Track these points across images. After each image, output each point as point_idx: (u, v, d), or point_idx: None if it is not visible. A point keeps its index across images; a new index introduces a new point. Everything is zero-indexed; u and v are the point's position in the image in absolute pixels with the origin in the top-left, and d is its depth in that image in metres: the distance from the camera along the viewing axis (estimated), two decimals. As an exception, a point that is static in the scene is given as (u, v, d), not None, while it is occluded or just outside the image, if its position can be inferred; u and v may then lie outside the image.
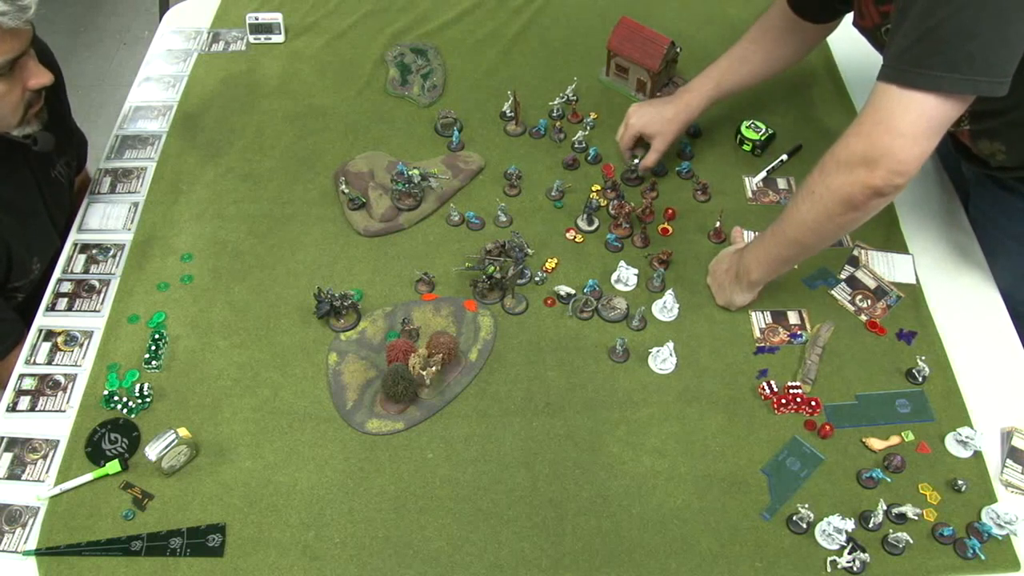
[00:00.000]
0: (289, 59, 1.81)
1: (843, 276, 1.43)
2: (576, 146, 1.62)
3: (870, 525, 1.15)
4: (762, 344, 1.34)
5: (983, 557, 1.12)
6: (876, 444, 1.23)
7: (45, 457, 1.22)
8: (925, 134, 1.00)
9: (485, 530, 1.16)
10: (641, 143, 1.56)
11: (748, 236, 1.44)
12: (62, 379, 1.31)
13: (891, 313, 1.38)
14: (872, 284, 1.41)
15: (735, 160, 1.61)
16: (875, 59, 1.08)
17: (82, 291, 1.41)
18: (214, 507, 1.17)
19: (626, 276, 1.41)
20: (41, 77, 1.24)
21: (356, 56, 1.81)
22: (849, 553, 1.11)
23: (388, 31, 1.87)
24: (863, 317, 1.38)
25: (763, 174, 1.57)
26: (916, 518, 1.14)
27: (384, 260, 1.46)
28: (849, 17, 1.30)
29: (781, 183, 1.57)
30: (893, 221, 1.50)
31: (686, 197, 1.55)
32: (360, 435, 1.25)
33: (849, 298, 1.40)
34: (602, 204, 1.53)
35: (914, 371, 1.30)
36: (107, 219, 1.52)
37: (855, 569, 1.11)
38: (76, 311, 1.39)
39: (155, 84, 1.77)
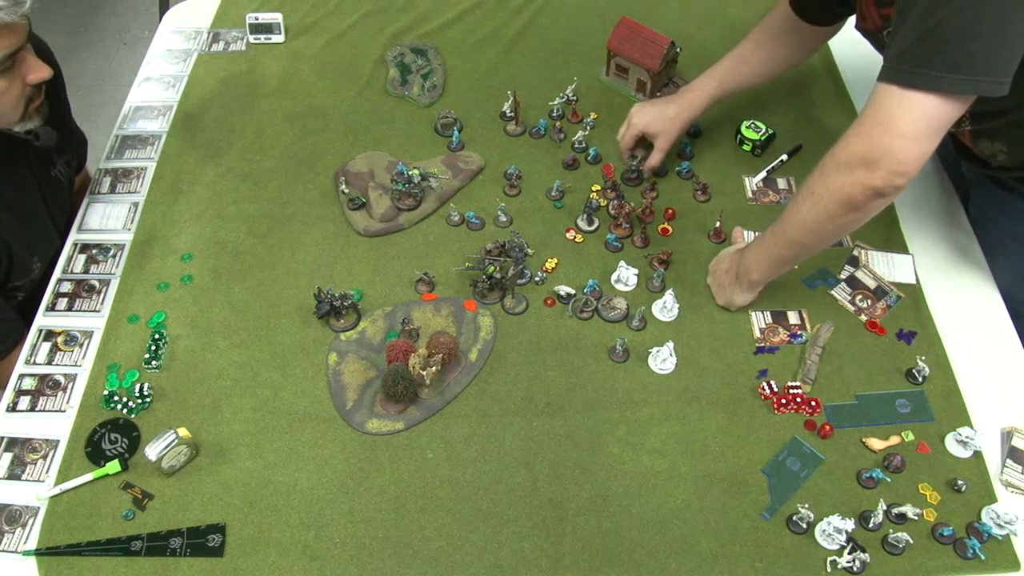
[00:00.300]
0: (289, 59, 1.81)
1: (843, 276, 1.43)
2: (576, 146, 1.62)
3: (870, 525, 1.15)
4: (762, 344, 1.34)
5: (983, 557, 1.12)
6: (876, 444, 1.23)
7: (45, 457, 1.22)
8: (925, 135, 1.00)
9: (485, 530, 1.16)
10: (641, 143, 1.56)
11: (748, 236, 1.45)
12: (62, 379, 1.31)
13: (891, 313, 1.38)
14: (872, 284, 1.41)
15: (735, 160, 1.61)
16: (875, 59, 1.08)
17: (82, 291, 1.41)
18: (214, 507, 1.17)
19: (626, 276, 1.41)
20: (40, 71, 1.24)
21: (356, 56, 1.81)
22: (849, 553, 1.11)
23: (388, 31, 1.87)
24: (863, 317, 1.38)
25: (763, 174, 1.57)
26: (916, 518, 1.14)
27: (384, 260, 1.46)
28: (850, 19, 1.30)
29: (781, 183, 1.57)
30: (893, 221, 1.50)
31: (686, 197, 1.55)
32: (360, 435, 1.25)
33: (849, 298, 1.40)
34: (602, 204, 1.53)
35: (914, 371, 1.30)
36: (107, 219, 1.52)
37: (855, 569, 1.11)
38: (76, 311, 1.39)
39: (155, 84, 1.77)
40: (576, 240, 1.49)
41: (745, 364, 1.32)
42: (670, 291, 1.36)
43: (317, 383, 1.30)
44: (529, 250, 1.41)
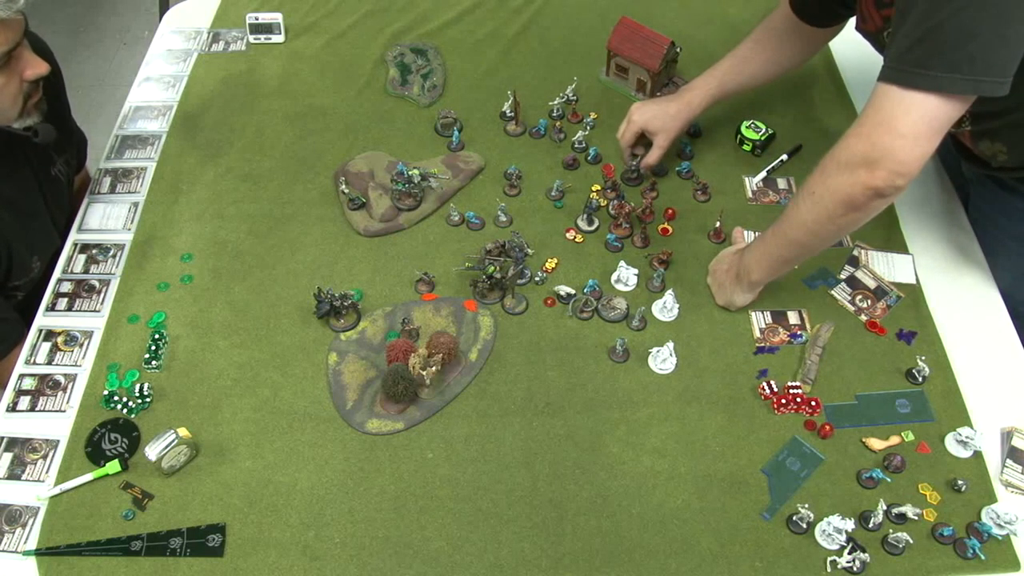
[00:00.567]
0: (289, 59, 1.81)
1: (843, 276, 1.43)
2: (576, 146, 1.62)
3: (870, 525, 1.15)
4: (762, 344, 1.34)
5: (983, 557, 1.12)
6: (876, 444, 1.23)
7: (45, 457, 1.22)
8: (926, 135, 1.00)
9: (485, 530, 1.16)
10: (641, 142, 1.56)
11: (749, 236, 1.45)
12: (62, 379, 1.31)
13: (891, 313, 1.38)
14: (872, 284, 1.41)
15: (735, 160, 1.61)
16: (875, 60, 1.08)
17: (82, 291, 1.41)
18: (214, 507, 1.17)
19: (626, 276, 1.41)
20: (38, 67, 1.25)
21: (356, 56, 1.81)
22: (849, 553, 1.11)
23: (388, 31, 1.87)
24: (863, 317, 1.38)
25: (763, 174, 1.57)
26: (916, 518, 1.14)
27: (384, 260, 1.46)
28: (850, 20, 1.30)
29: (781, 183, 1.57)
30: (893, 221, 1.50)
31: (686, 197, 1.55)
32: (360, 435, 1.25)
33: (849, 298, 1.40)
34: (602, 204, 1.53)
35: (914, 371, 1.30)
36: (107, 219, 1.52)
37: (855, 569, 1.11)
38: (76, 311, 1.39)
39: (155, 84, 1.77)
40: (576, 240, 1.49)
41: (745, 364, 1.32)
42: (670, 291, 1.36)
43: (317, 383, 1.30)
44: (529, 250, 1.41)
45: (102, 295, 1.41)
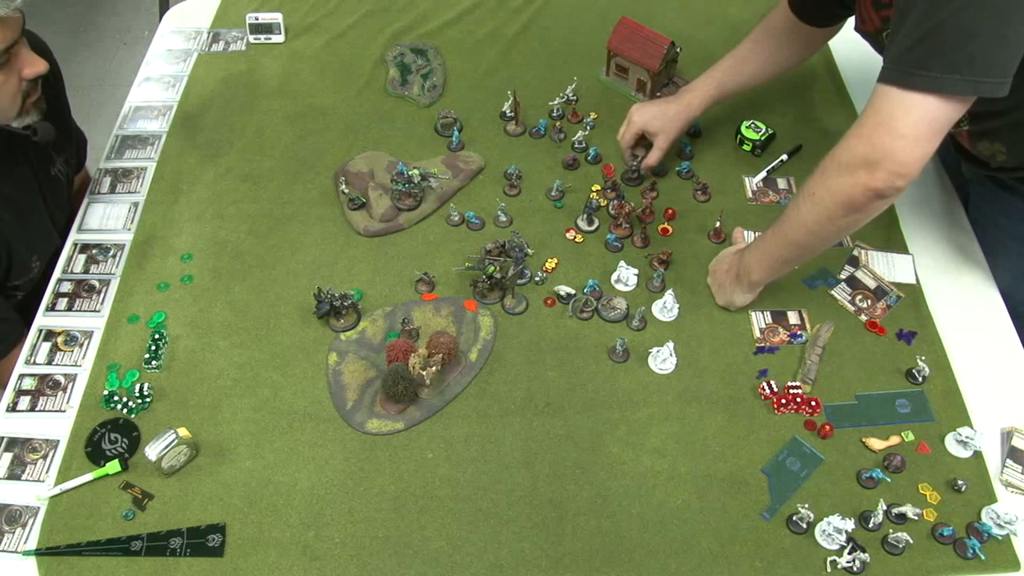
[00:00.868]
0: (289, 59, 1.81)
1: (843, 276, 1.43)
2: (576, 146, 1.62)
3: (870, 525, 1.15)
4: (762, 344, 1.34)
5: (983, 557, 1.12)
6: (876, 444, 1.23)
7: (45, 457, 1.22)
8: (926, 136, 1.00)
9: (485, 530, 1.16)
10: (641, 143, 1.56)
11: (749, 237, 1.45)
12: (62, 379, 1.31)
13: (891, 313, 1.38)
14: (872, 284, 1.41)
15: (735, 160, 1.61)
16: (875, 60, 1.08)
17: (82, 291, 1.41)
18: (214, 507, 1.17)
19: (626, 276, 1.41)
20: (36, 66, 1.25)
21: (356, 56, 1.81)
22: (849, 553, 1.11)
23: (388, 31, 1.87)
24: (863, 317, 1.38)
25: (763, 174, 1.57)
26: (916, 518, 1.14)
27: (384, 260, 1.46)
28: (849, 20, 1.30)
29: (781, 183, 1.57)
30: (893, 221, 1.50)
31: (686, 197, 1.55)
32: (360, 435, 1.25)
33: (849, 298, 1.40)
34: (602, 204, 1.53)
35: (914, 371, 1.30)
36: (107, 219, 1.52)
37: (855, 569, 1.11)
38: (76, 311, 1.39)
39: (155, 84, 1.77)
40: (576, 240, 1.49)
41: (745, 364, 1.32)
42: (670, 291, 1.36)
43: (317, 383, 1.30)
44: (529, 250, 1.41)
45: (102, 295, 1.41)
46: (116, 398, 1.27)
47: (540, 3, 1.93)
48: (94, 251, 1.47)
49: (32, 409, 1.28)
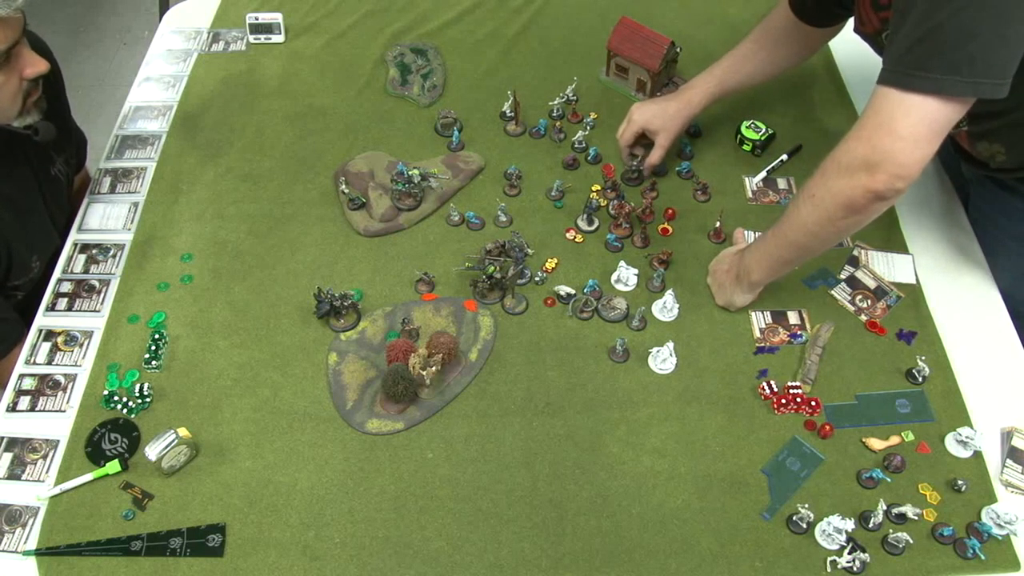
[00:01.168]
0: (289, 59, 1.81)
1: (843, 276, 1.43)
2: (576, 146, 1.62)
3: (870, 525, 1.15)
4: (762, 344, 1.34)
5: (983, 557, 1.12)
6: (876, 444, 1.23)
7: (45, 457, 1.22)
8: (926, 137, 1.00)
9: (485, 530, 1.16)
10: (640, 143, 1.56)
11: (749, 237, 1.45)
12: (62, 379, 1.31)
13: (891, 313, 1.38)
14: (872, 284, 1.41)
15: (735, 160, 1.61)
16: (875, 60, 1.08)
17: (82, 291, 1.41)
18: (214, 507, 1.17)
19: (626, 276, 1.41)
20: (37, 65, 1.25)
21: (356, 56, 1.81)
22: (849, 553, 1.11)
23: (388, 31, 1.87)
24: (863, 317, 1.38)
25: (763, 174, 1.57)
26: (916, 518, 1.14)
27: (384, 260, 1.46)
28: (850, 20, 1.30)
29: (781, 183, 1.57)
30: (893, 221, 1.50)
31: (686, 197, 1.55)
32: (360, 435, 1.25)
33: (849, 298, 1.40)
34: (602, 204, 1.53)
35: (914, 371, 1.30)
36: (107, 219, 1.52)
37: (855, 569, 1.11)
38: (76, 311, 1.39)
39: (155, 84, 1.77)
40: (576, 240, 1.49)
41: (745, 364, 1.32)
42: (670, 291, 1.36)
43: (317, 383, 1.30)
44: (529, 250, 1.41)
45: (102, 295, 1.41)
46: (116, 398, 1.27)
47: (540, 3, 1.93)
48: (94, 251, 1.47)
49: (32, 409, 1.28)
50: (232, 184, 1.57)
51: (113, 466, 1.20)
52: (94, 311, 1.39)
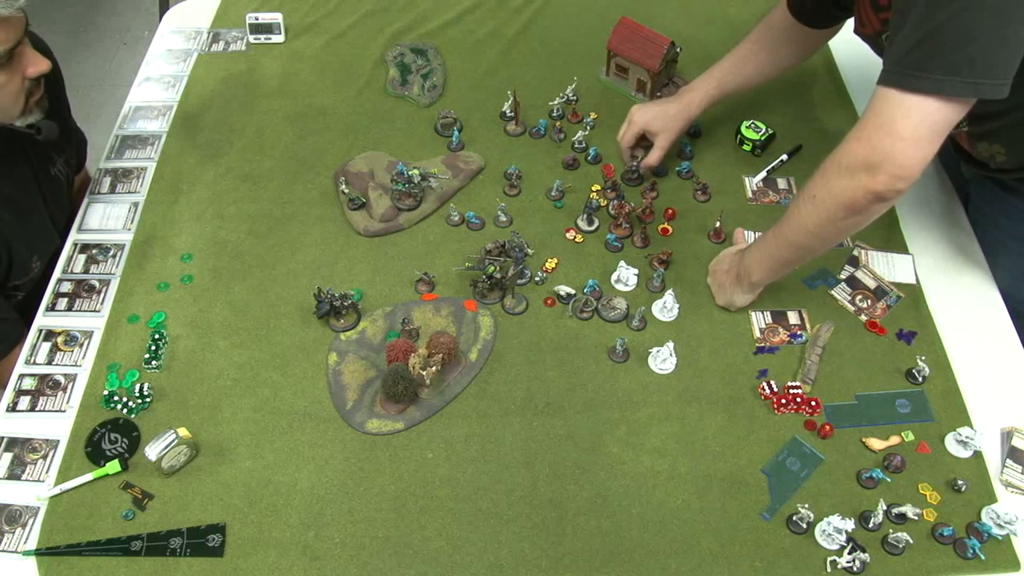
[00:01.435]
0: (289, 59, 1.81)
1: (843, 276, 1.43)
2: (576, 146, 1.62)
3: (870, 525, 1.15)
4: (762, 344, 1.35)
5: (983, 557, 1.12)
6: (876, 444, 1.23)
7: (45, 457, 1.22)
8: (927, 138, 1.00)
9: (485, 530, 1.16)
10: (640, 144, 1.56)
11: (749, 237, 1.45)
12: (62, 379, 1.31)
13: (891, 313, 1.38)
14: (872, 284, 1.41)
15: (735, 160, 1.61)
16: (875, 60, 1.08)
17: (82, 291, 1.41)
18: (214, 507, 1.17)
19: (626, 276, 1.41)
20: (39, 64, 1.25)
21: (356, 56, 1.81)
22: (849, 553, 1.11)
23: (388, 31, 1.87)
24: (863, 317, 1.38)
25: (763, 174, 1.57)
26: (916, 518, 1.14)
27: (384, 260, 1.46)
28: (849, 21, 1.30)
29: (781, 183, 1.57)
30: (893, 221, 1.50)
31: (686, 197, 1.55)
32: (360, 435, 1.25)
33: (849, 298, 1.40)
34: (602, 204, 1.53)
35: (914, 371, 1.30)
36: (107, 219, 1.52)
37: (855, 569, 1.11)
38: (76, 311, 1.39)
39: (155, 84, 1.77)
40: (576, 240, 1.49)
41: (745, 364, 1.32)
42: (670, 291, 1.36)
43: (317, 383, 1.30)
44: (529, 250, 1.41)
45: (102, 295, 1.41)
46: (116, 398, 1.27)
47: (540, 3, 1.93)
48: (94, 251, 1.47)
49: (32, 409, 1.28)
50: (232, 184, 1.57)
51: (113, 466, 1.20)
52: (94, 311, 1.39)
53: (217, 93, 1.74)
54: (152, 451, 1.15)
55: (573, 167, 1.60)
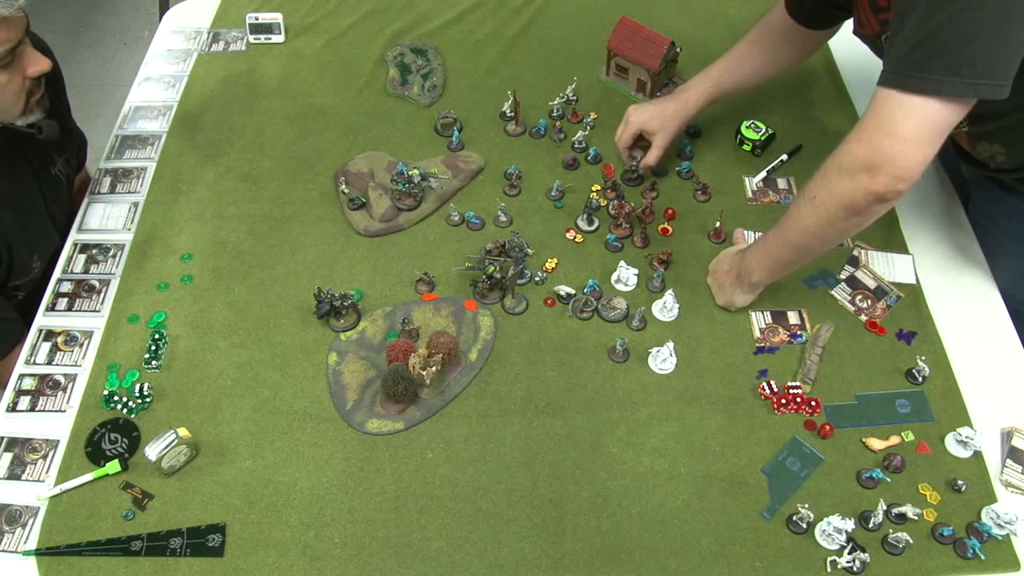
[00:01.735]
0: (289, 59, 1.81)
1: (843, 276, 1.43)
2: (576, 146, 1.62)
3: (870, 525, 1.15)
4: (762, 344, 1.35)
5: (983, 557, 1.12)
6: (876, 444, 1.23)
7: (45, 457, 1.22)
8: (927, 139, 1.00)
9: (485, 530, 1.16)
10: (639, 144, 1.56)
11: (750, 237, 1.45)
12: (62, 379, 1.31)
13: (891, 313, 1.38)
14: (872, 284, 1.41)
15: (735, 160, 1.61)
16: (875, 60, 1.09)
17: (82, 291, 1.41)
18: (214, 507, 1.17)
19: (626, 276, 1.41)
20: (40, 64, 1.25)
21: (356, 56, 1.81)
22: (849, 553, 1.11)
23: (388, 31, 1.87)
24: (863, 317, 1.38)
25: (763, 174, 1.57)
26: (916, 518, 1.14)
27: (384, 260, 1.46)
28: (849, 22, 1.30)
29: (781, 183, 1.57)
30: (893, 221, 1.50)
31: (686, 197, 1.55)
32: (360, 435, 1.25)
33: (849, 298, 1.40)
34: (602, 204, 1.53)
35: (914, 371, 1.30)
36: (107, 219, 1.52)
37: (855, 569, 1.11)
38: (76, 311, 1.39)
39: (155, 84, 1.77)
40: (576, 240, 1.49)
41: (745, 364, 1.32)
42: (670, 291, 1.36)
43: (317, 383, 1.30)
44: (529, 250, 1.41)
45: (102, 295, 1.41)
46: (116, 398, 1.27)
47: (540, 3, 1.93)
48: (94, 251, 1.47)
49: (32, 409, 1.28)
50: (232, 184, 1.57)
51: (113, 466, 1.20)
52: (94, 311, 1.39)
53: (217, 93, 1.74)
54: (152, 451, 1.15)
55: (573, 167, 1.60)
